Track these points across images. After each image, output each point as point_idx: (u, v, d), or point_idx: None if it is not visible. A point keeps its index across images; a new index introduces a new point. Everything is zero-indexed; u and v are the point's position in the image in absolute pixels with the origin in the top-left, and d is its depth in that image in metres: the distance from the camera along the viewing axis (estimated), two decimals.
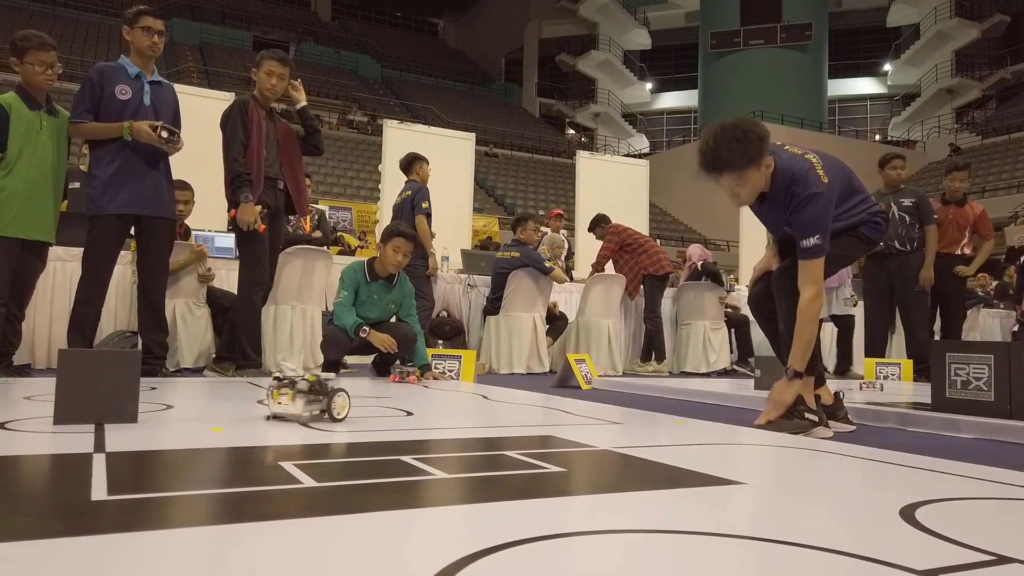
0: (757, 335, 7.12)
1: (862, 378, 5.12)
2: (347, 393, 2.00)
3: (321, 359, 4.77)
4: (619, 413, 2.53)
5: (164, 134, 3.55)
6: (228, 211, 3.96)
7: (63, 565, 0.73)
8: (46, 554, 0.77)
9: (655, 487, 1.26)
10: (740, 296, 7.12)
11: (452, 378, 4.20)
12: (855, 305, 6.05)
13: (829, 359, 6.61)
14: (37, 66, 3.46)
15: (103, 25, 26.74)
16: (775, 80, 27.02)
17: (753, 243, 9.35)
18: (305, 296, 4.75)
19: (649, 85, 36.13)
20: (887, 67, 33.02)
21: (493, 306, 5.94)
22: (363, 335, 4.02)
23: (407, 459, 1.45)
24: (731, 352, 6.76)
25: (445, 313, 6.21)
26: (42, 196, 3.49)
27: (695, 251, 6.95)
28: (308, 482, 1.17)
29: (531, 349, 5.74)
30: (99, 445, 1.48)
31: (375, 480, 1.23)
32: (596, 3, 32.83)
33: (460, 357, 4.25)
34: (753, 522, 1.04)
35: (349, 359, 4.73)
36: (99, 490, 1.07)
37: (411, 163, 5.86)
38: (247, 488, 1.13)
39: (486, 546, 0.82)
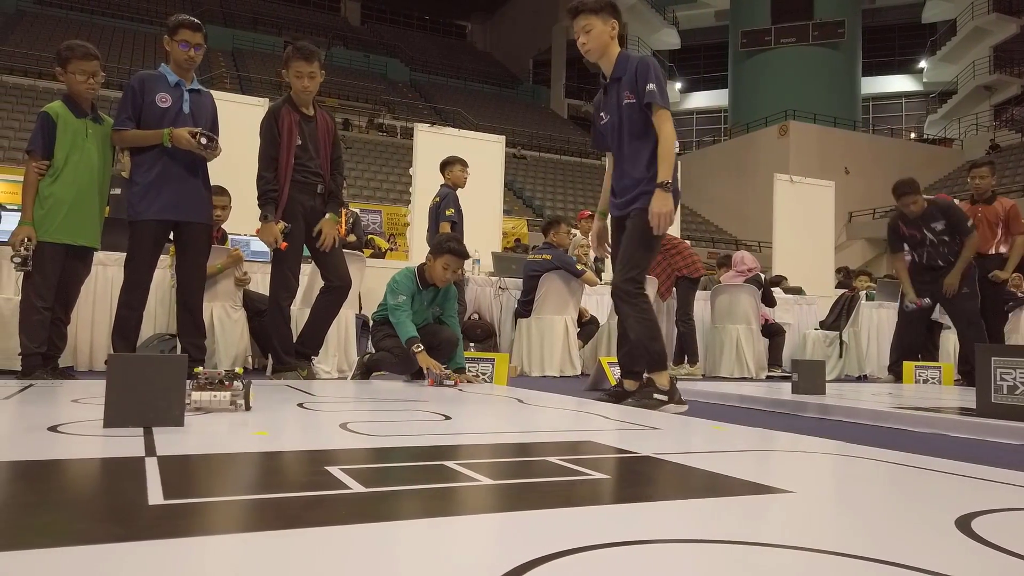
0: (790, 344, 7.04)
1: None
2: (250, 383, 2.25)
3: (354, 361, 4.82)
4: (656, 417, 2.51)
5: (203, 140, 3.61)
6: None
7: (129, 570, 0.75)
8: (111, 558, 0.79)
9: (703, 495, 1.25)
10: (780, 306, 7.04)
11: (486, 381, 4.21)
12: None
13: (871, 361, 6.50)
14: (80, 75, 3.55)
15: (146, 34, 27.24)
16: (807, 78, 26.67)
17: (787, 244, 9.24)
18: None
19: (678, 85, 35.90)
20: (922, 64, 32.44)
21: (524, 308, 5.95)
22: (415, 350, 3.88)
23: (450, 464, 1.46)
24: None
25: (476, 316, 6.24)
26: (88, 202, 3.58)
27: (748, 258, 6.83)
28: (357, 487, 1.19)
29: (563, 352, 5.74)
30: (150, 449, 1.51)
31: (423, 486, 1.24)
32: (624, 3, 32.67)
33: (493, 360, 4.26)
34: (806, 532, 1.03)
35: None
36: (155, 494, 1.09)
37: (445, 165, 5.90)
38: (300, 493, 1.14)
39: (540, 555, 0.83)
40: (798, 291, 7.81)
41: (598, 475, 1.37)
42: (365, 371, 4.28)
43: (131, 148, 3.75)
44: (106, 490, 1.17)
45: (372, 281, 5.95)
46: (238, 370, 2.28)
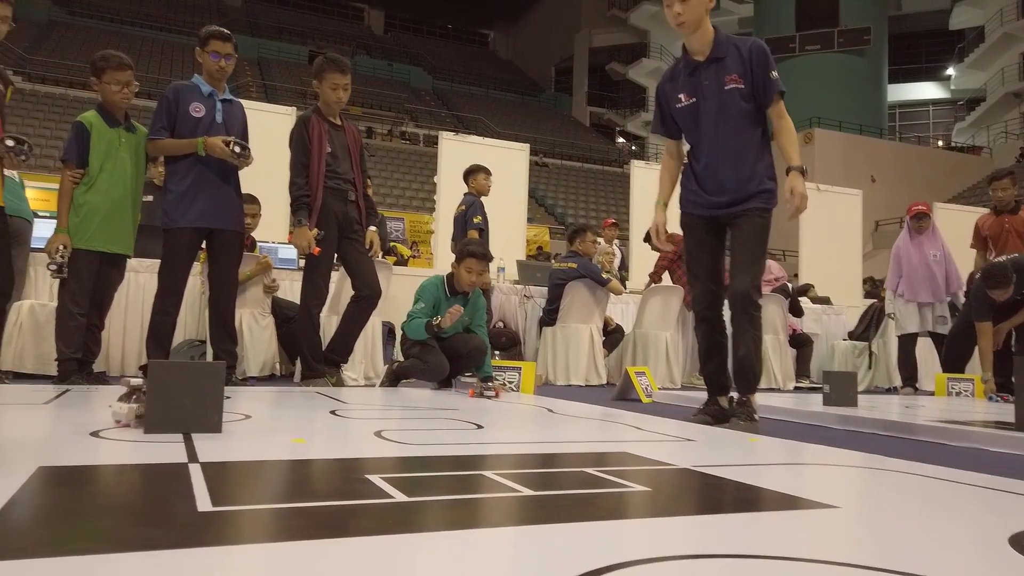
0: (817, 355, 6.96)
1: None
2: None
3: (381, 368, 4.85)
4: (689, 429, 2.50)
5: (236, 149, 3.66)
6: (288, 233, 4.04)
7: None
8: (170, 565, 0.79)
9: (746, 509, 1.24)
10: (808, 315, 6.97)
11: (512, 389, 4.21)
12: (945, 325, 5.80)
13: (893, 373, 6.42)
14: (114, 85, 3.62)
15: (174, 44, 27.68)
16: (832, 86, 26.45)
17: (813, 253, 9.15)
18: None
19: None
20: (950, 71, 32.05)
21: (549, 317, 5.95)
22: (435, 323, 4.05)
23: (489, 474, 1.46)
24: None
25: (501, 324, 6.24)
26: (121, 210, 3.64)
27: (775, 267, 6.77)
28: (399, 496, 1.19)
29: (588, 361, 5.72)
30: (191, 455, 1.52)
31: (465, 496, 1.24)
32: (647, 11, 32.70)
33: (520, 369, 4.26)
34: (854, 548, 1.02)
35: None
36: (203, 501, 1.11)
37: (469, 174, 5.93)
38: (344, 502, 1.15)
39: (591, 568, 0.83)
40: (826, 301, 7.73)
41: (638, 487, 1.36)
42: (393, 379, 4.31)
43: (166, 157, 3.80)
44: (155, 496, 1.18)
45: (395, 289, 5.98)
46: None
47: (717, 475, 1.54)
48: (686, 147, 3.08)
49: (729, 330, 2.90)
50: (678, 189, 3.15)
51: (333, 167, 3.96)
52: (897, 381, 6.67)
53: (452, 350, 4.22)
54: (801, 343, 6.68)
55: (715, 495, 1.36)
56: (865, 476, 1.70)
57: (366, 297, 4.06)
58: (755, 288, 2.81)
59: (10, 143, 3.29)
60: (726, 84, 2.81)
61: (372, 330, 4.96)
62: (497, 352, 6.04)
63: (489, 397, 3.53)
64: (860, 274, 9.74)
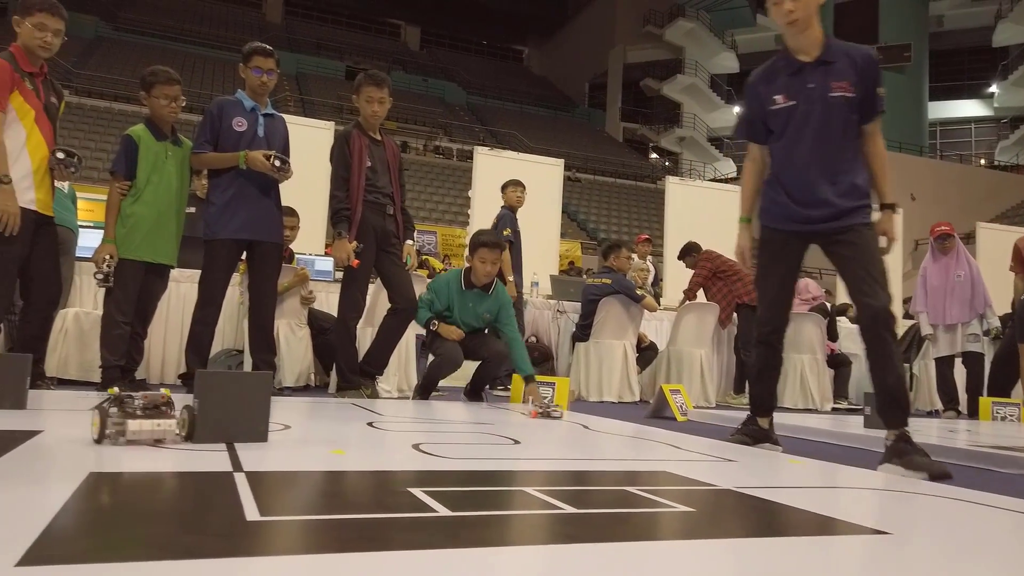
0: (856, 376, 6.82)
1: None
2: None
3: (414, 381, 4.87)
4: (728, 449, 2.46)
5: (276, 163, 3.72)
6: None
7: None
8: (227, 574, 0.80)
9: (795, 533, 1.21)
10: (846, 335, 6.85)
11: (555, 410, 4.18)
12: (977, 342, 5.67)
13: (935, 395, 6.27)
14: (162, 99, 3.71)
15: (215, 59, 28.32)
16: None
17: None
18: None
19: (736, 108, 35.51)
20: (993, 88, 31.41)
21: (583, 332, 5.92)
22: (432, 327, 4.20)
23: (530, 491, 1.45)
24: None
25: (534, 339, 6.23)
26: (166, 221, 3.72)
27: (812, 286, 6.67)
28: (443, 511, 1.19)
29: (622, 377, 5.68)
30: (236, 464, 1.54)
31: (510, 512, 1.24)
32: (682, 28, 32.65)
33: (554, 384, 4.24)
34: None
35: (441, 382, 4.78)
36: (251, 510, 1.12)
37: (504, 187, 5.96)
38: (389, 515, 1.15)
39: None
40: None
41: (682, 507, 1.34)
42: (423, 391, 4.33)
43: (209, 169, 3.88)
44: (203, 504, 1.20)
45: None
46: (164, 391, 1.81)
47: (760, 496, 1.52)
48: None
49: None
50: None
51: (372, 181, 4.01)
52: (939, 404, 6.51)
53: (472, 352, 4.26)
54: (839, 363, 6.55)
55: (761, 518, 1.34)
56: (916, 502, 1.66)
57: (403, 310, 4.08)
58: (891, 304, 2.57)
59: (60, 156, 3.39)
60: (833, 91, 2.58)
61: (406, 343, 4.98)
62: None
63: (555, 418, 3.25)
64: (900, 294, 9.54)
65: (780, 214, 2.68)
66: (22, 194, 3.23)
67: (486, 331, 4.41)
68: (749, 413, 2.93)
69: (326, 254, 4.30)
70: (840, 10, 27.26)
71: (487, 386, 4.70)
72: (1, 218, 3.14)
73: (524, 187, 5.92)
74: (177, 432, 1.78)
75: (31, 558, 0.81)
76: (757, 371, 2.88)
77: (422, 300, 4.28)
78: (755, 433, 2.83)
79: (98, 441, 1.72)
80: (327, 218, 4.05)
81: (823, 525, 1.28)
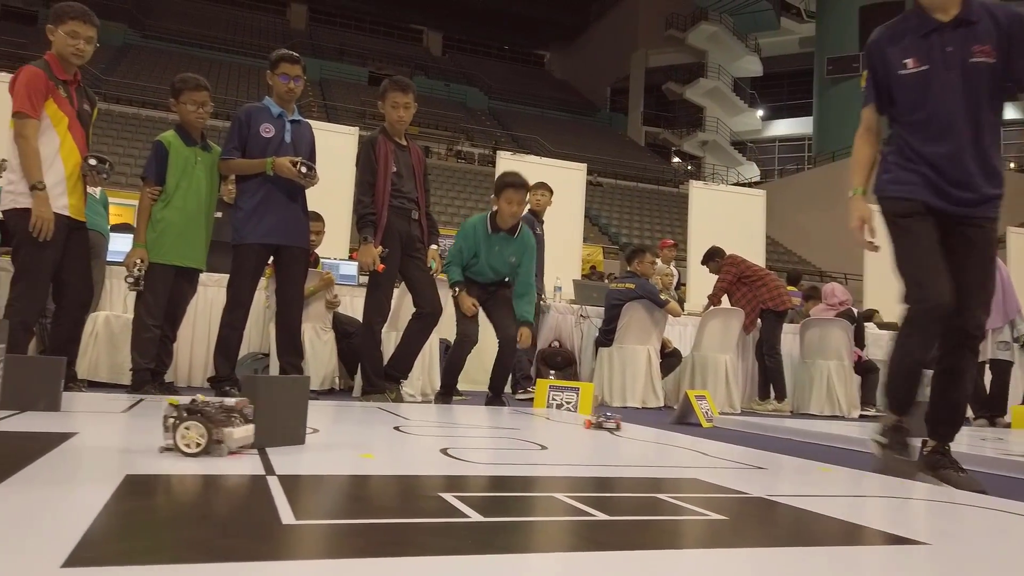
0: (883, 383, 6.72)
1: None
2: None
3: (438, 385, 4.88)
4: (758, 456, 2.44)
5: (303, 169, 3.76)
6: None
7: None
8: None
9: (833, 542, 1.20)
10: (873, 340, 6.76)
11: (570, 410, 4.18)
12: (1008, 350, 5.57)
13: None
14: (190, 105, 3.76)
15: (240, 65, 28.68)
16: None
17: (880, 277, 8.88)
18: None
19: (760, 112, 35.30)
20: None
21: (606, 337, 5.90)
22: (453, 294, 4.23)
23: (560, 496, 1.45)
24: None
25: (557, 343, 6.22)
26: (195, 226, 3.76)
27: (839, 291, 6.59)
28: (474, 516, 1.19)
29: (645, 383, 5.65)
30: (268, 467, 1.56)
31: (541, 518, 1.24)
32: (705, 31, 32.49)
33: (578, 389, 4.23)
34: None
35: (462, 386, 4.80)
36: (286, 514, 1.13)
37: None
38: (421, 519, 1.16)
39: None
40: (893, 327, 7.47)
41: (714, 515, 1.33)
42: (446, 385, 4.36)
43: (237, 175, 3.93)
44: (239, 507, 1.21)
45: (450, 306, 6.03)
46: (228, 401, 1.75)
47: (793, 505, 1.50)
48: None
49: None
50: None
51: (398, 186, 4.03)
52: (969, 411, 6.40)
53: (490, 315, 4.35)
54: (867, 370, 6.47)
55: (797, 527, 1.32)
56: (953, 512, 1.63)
57: (427, 315, 4.10)
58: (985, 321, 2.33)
59: (92, 162, 3.45)
60: (974, 55, 2.28)
61: (429, 347, 4.99)
62: (552, 371, 6.02)
63: (610, 430, 2.99)
64: None
65: (926, 188, 2.33)
66: (55, 200, 3.29)
67: (501, 296, 4.39)
68: (891, 421, 2.44)
69: (351, 258, 4.35)
70: (867, 12, 26.97)
71: (509, 390, 4.72)
72: (36, 223, 3.21)
73: (551, 190, 5.89)
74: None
75: (76, 559, 0.82)
76: (941, 386, 2.42)
77: (451, 252, 4.31)
78: (934, 462, 2.33)
79: (196, 454, 1.61)
80: (351, 223, 4.07)
81: (860, 535, 1.26)
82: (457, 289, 4.20)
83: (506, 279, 4.39)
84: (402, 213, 4.05)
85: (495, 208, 4.28)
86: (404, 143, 4.18)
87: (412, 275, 4.13)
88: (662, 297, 5.80)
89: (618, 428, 3.03)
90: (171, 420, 1.62)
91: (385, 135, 4.11)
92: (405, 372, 4.22)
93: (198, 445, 1.60)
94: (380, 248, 3.94)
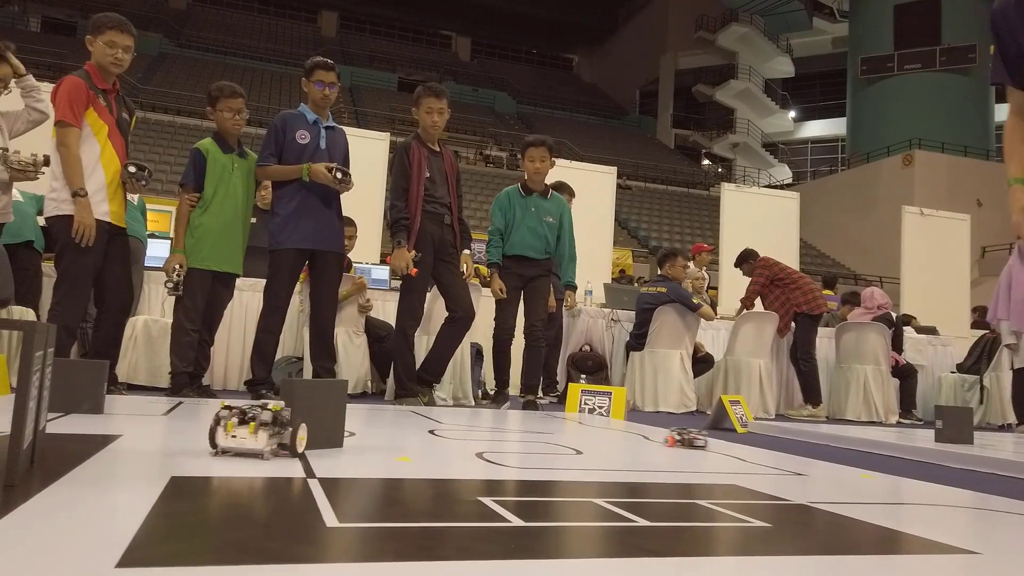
0: (922, 388, 6.59)
1: None
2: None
3: (469, 389, 4.89)
4: (796, 462, 2.40)
5: (339, 175, 3.80)
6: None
7: None
8: None
9: (880, 551, 1.18)
10: (912, 345, 6.64)
11: (603, 415, 4.16)
12: None
13: (1007, 408, 6.02)
14: (227, 112, 3.83)
15: (273, 73, 29.08)
16: (934, 106, 25.26)
17: (917, 281, 8.72)
18: None
19: (792, 113, 34.88)
20: None
21: (637, 342, 5.87)
22: (488, 275, 4.46)
23: (600, 502, 1.44)
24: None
25: (587, 347, 6.20)
26: (233, 232, 3.82)
27: (879, 295, 6.49)
28: (514, 520, 1.19)
29: (678, 387, 5.60)
30: (308, 470, 1.57)
31: (583, 523, 1.23)
32: (735, 33, 32.22)
33: (611, 394, 4.21)
34: None
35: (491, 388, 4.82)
36: (329, 517, 1.14)
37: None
38: (463, 524, 1.16)
39: None
40: (932, 331, 7.33)
41: (758, 523, 1.31)
42: (502, 384, 4.46)
43: (273, 181, 3.98)
44: (283, 510, 1.22)
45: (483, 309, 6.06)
46: (274, 406, 1.71)
47: (836, 512, 1.48)
48: None
49: None
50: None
51: (431, 191, 4.07)
52: (1011, 417, 6.25)
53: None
54: (905, 375, 6.35)
55: (842, 535, 1.30)
56: (999, 520, 1.59)
57: (460, 319, 4.12)
58: None
59: (132, 169, 3.52)
60: None
61: (461, 351, 5.01)
62: (583, 376, 6.00)
63: (699, 447, 2.61)
64: (968, 303, 9.21)
65: None
66: (96, 206, 3.37)
67: (539, 288, 4.47)
68: None
69: (383, 263, 4.43)
70: (901, 11, 26.52)
71: (540, 394, 4.74)
72: (78, 229, 3.28)
73: (572, 194, 5.90)
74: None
75: (129, 560, 0.84)
76: None
77: (490, 230, 4.48)
78: None
79: (264, 457, 1.63)
80: (383, 227, 4.15)
81: (909, 543, 1.23)
82: (492, 271, 4.29)
83: (547, 255, 4.46)
84: (435, 218, 4.08)
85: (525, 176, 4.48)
86: (437, 149, 4.21)
87: (445, 279, 4.15)
88: (695, 301, 5.75)
89: (705, 446, 2.63)
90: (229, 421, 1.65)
91: (419, 141, 4.15)
92: (437, 376, 4.24)
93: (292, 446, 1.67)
94: (413, 252, 3.97)
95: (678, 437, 2.63)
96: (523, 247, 4.38)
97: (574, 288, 4.79)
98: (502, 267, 4.40)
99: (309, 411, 1.79)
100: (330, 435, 1.86)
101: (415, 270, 3.97)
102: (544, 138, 4.57)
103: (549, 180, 6.17)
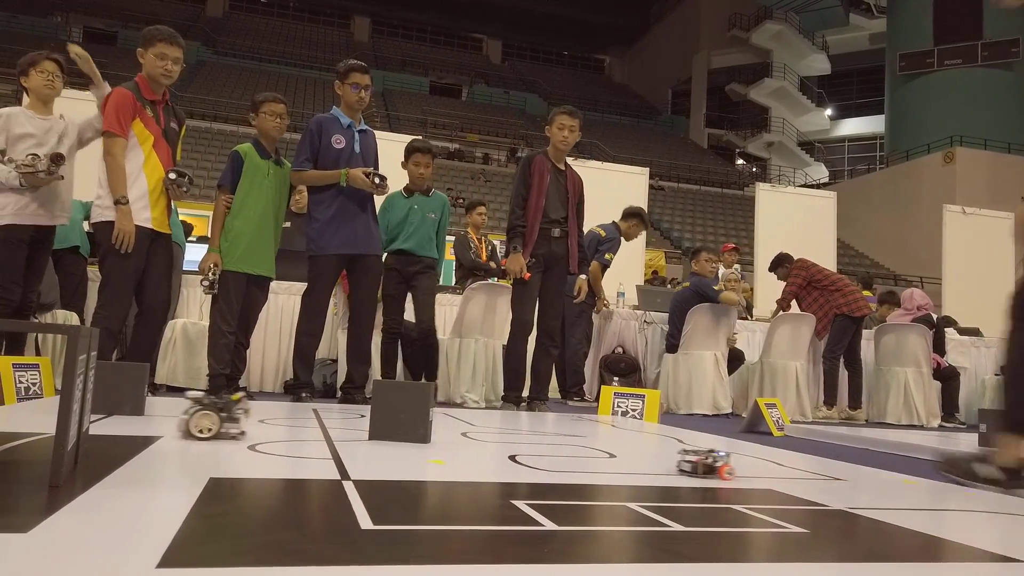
0: (965, 391, 6.42)
1: None
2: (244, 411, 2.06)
3: (500, 391, 4.89)
4: (834, 467, 2.36)
5: (376, 180, 3.83)
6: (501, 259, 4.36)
7: None
8: None
9: (925, 559, 1.15)
10: (954, 347, 6.48)
11: (636, 418, 4.13)
12: None
13: None
14: (270, 115, 3.89)
15: (307, 78, 29.48)
16: (975, 102, 24.63)
17: (959, 281, 8.51)
18: (487, 330, 4.91)
19: (828, 111, 34.33)
20: None
21: (671, 344, 5.82)
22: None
23: (633, 506, 1.43)
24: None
25: (620, 350, 6.17)
26: (265, 236, 3.88)
27: (919, 296, 6.36)
28: (549, 524, 1.19)
29: (712, 389, 5.54)
30: (343, 472, 1.59)
31: (617, 528, 1.22)
32: (770, 30, 31.82)
33: (644, 396, 4.19)
34: None
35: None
36: (364, 519, 1.14)
37: (626, 216, 6.01)
38: (498, 527, 1.16)
39: None
40: (975, 332, 7.15)
41: (795, 528, 1.29)
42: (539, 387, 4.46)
43: (309, 186, 4.03)
44: (319, 511, 1.24)
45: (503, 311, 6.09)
46: (234, 396, 2.07)
47: (876, 519, 1.45)
48: None
49: None
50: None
51: (546, 207, 4.13)
52: None
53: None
54: (947, 377, 6.19)
55: (882, 541, 1.27)
56: None
57: (541, 333, 4.31)
58: None
59: (172, 176, 3.59)
60: None
61: (493, 354, 5.02)
62: (616, 378, 5.96)
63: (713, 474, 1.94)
64: None
65: None
66: (138, 213, 3.44)
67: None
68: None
69: (502, 266, 4.78)
70: (941, 5, 25.92)
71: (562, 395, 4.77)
72: (117, 235, 3.35)
73: (646, 225, 6.11)
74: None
75: (169, 560, 0.85)
76: None
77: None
78: None
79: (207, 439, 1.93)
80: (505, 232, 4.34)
81: (957, 551, 1.20)
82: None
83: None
84: (542, 232, 4.19)
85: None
86: (562, 167, 4.32)
87: (542, 295, 4.26)
88: (716, 289, 5.66)
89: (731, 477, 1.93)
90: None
91: (545, 156, 4.27)
92: (520, 388, 4.38)
93: (209, 431, 1.94)
94: (530, 259, 4.10)
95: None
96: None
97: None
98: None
99: (388, 407, 2.07)
100: (411, 430, 2.09)
101: (528, 274, 4.10)
102: (430, 146, 4.71)
103: (625, 205, 6.20)
